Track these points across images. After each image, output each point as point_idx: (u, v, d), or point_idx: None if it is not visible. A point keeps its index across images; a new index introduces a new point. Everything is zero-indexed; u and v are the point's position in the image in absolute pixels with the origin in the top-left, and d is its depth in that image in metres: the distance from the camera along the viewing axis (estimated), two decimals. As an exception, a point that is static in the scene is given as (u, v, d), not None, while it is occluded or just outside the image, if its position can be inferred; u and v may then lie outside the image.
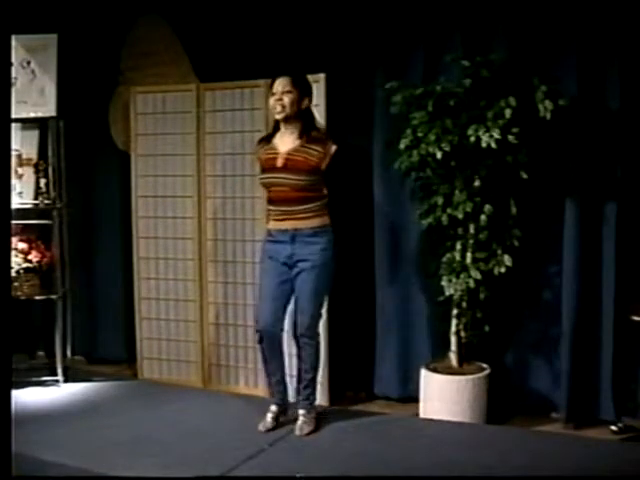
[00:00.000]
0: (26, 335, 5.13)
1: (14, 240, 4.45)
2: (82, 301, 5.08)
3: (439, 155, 3.68)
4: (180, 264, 4.64)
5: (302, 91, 3.59)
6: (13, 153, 4.53)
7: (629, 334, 3.80)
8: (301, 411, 3.74)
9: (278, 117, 3.60)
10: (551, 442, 3.64)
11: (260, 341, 3.70)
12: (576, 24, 3.84)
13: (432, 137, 3.70)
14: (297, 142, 3.60)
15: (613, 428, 3.84)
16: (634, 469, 3.25)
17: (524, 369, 4.14)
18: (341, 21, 4.32)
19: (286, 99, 3.55)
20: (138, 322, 4.75)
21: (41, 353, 5.20)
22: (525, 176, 3.72)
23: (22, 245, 4.53)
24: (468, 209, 3.77)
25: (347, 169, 4.32)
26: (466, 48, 4.01)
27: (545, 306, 4.08)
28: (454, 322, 3.98)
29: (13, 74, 4.43)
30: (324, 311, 4.15)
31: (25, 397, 4.29)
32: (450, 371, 3.96)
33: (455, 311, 3.95)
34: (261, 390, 4.40)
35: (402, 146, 3.81)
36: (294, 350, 3.83)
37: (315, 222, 3.62)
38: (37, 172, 4.66)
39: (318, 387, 3.85)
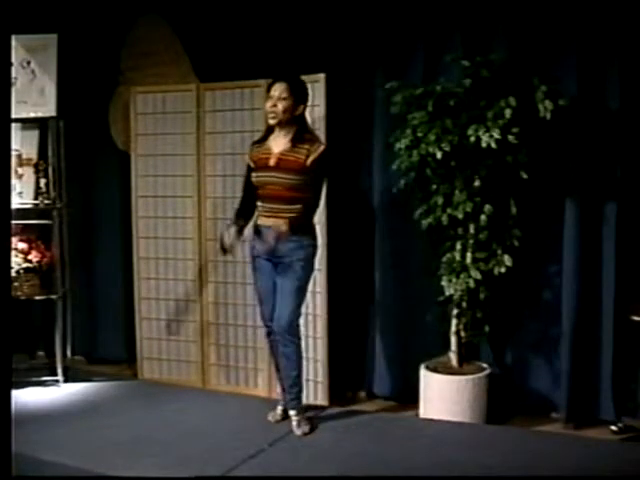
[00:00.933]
0: (26, 335, 5.12)
1: (14, 240, 4.45)
2: (82, 301, 5.08)
3: (439, 155, 3.68)
4: (180, 264, 4.64)
5: (298, 98, 3.62)
6: (13, 153, 4.53)
7: (629, 334, 3.80)
8: (291, 412, 3.76)
9: (271, 122, 3.65)
10: (551, 442, 3.64)
11: (268, 335, 3.80)
12: (576, 24, 3.84)
13: (432, 137, 3.70)
14: (289, 144, 3.64)
15: (613, 428, 3.84)
16: (634, 469, 3.25)
17: (524, 369, 4.14)
18: (341, 21, 4.32)
19: (280, 106, 3.58)
20: (138, 322, 4.75)
21: (41, 353, 5.20)
22: (525, 176, 3.72)
23: (22, 245, 4.53)
24: (468, 209, 3.77)
25: (347, 169, 4.34)
26: (466, 48, 4.01)
27: (545, 306, 4.08)
28: (454, 322, 3.99)
29: (13, 74, 4.43)
30: (323, 311, 4.18)
31: (25, 397, 4.29)
32: (450, 371, 3.96)
33: (455, 311, 3.95)
34: (261, 390, 4.41)
35: (402, 146, 3.81)
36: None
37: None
38: (37, 172, 4.66)
39: (319, 386, 3.87)
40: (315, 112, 4.04)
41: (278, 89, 3.60)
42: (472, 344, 4.06)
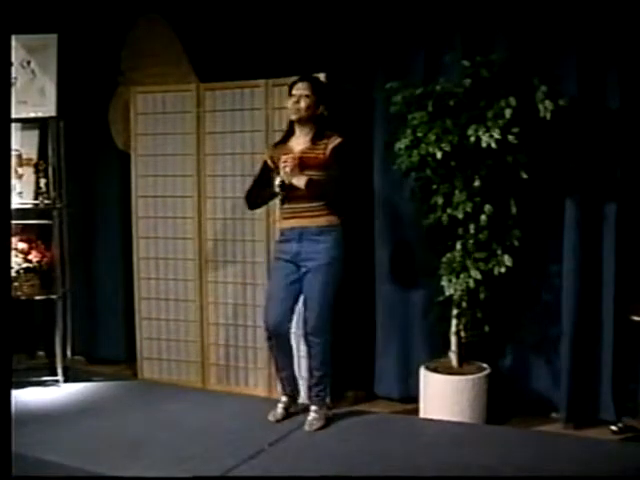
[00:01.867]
0: (26, 335, 5.13)
1: (14, 240, 4.45)
2: (82, 301, 5.08)
3: (439, 155, 3.69)
4: (180, 264, 4.64)
5: (319, 97, 3.70)
6: (13, 153, 4.53)
7: (629, 334, 3.80)
8: (313, 407, 3.79)
9: (293, 118, 3.71)
10: (551, 442, 3.64)
11: (269, 338, 3.79)
12: (576, 24, 3.84)
13: (432, 137, 3.70)
14: (309, 143, 3.70)
15: (613, 428, 3.83)
16: (634, 469, 3.25)
17: (524, 369, 4.14)
18: (341, 21, 4.32)
19: (303, 103, 3.66)
20: (138, 322, 4.75)
21: (41, 353, 5.20)
22: (525, 176, 3.72)
23: (22, 245, 4.53)
24: (468, 209, 3.77)
25: (347, 169, 4.33)
26: (466, 48, 4.01)
27: (545, 306, 4.08)
28: (454, 322, 3.99)
29: (13, 74, 4.43)
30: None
31: (25, 397, 4.29)
32: (450, 371, 3.96)
33: (455, 311, 3.95)
34: (261, 390, 4.41)
35: (402, 146, 3.81)
36: (303, 351, 3.88)
37: (322, 221, 3.68)
38: (37, 172, 4.66)
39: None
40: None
41: (302, 87, 3.68)
42: (472, 344, 4.06)
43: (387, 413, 4.21)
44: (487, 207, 3.80)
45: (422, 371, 4.00)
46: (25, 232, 4.63)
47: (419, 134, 3.76)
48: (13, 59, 4.37)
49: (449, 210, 3.83)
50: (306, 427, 3.73)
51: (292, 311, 3.76)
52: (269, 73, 4.26)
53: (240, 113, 4.41)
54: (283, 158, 3.62)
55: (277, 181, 3.63)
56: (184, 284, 4.64)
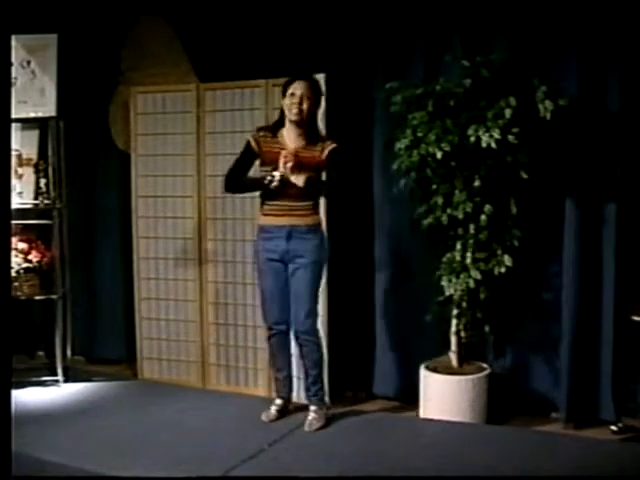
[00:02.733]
0: (26, 335, 5.12)
1: (14, 240, 4.45)
2: (82, 301, 5.08)
3: (439, 155, 3.69)
4: (180, 264, 4.64)
5: (317, 99, 3.69)
6: (13, 153, 4.53)
7: (629, 334, 3.80)
8: (312, 407, 3.80)
9: (294, 119, 3.65)
10: (551, 442, 3.64)
11: (269, 338, 3.84)
12: (576, 24, 3.84)
13: (432, 137, 3.70)
14: (304, 142, 3.68)
15: (613, 428, 3.83)
16: (634, 469, 3.25)
17: (524, 369, 4.14)
18: (341, 21, 4.32)
19: (305, 105, 3.62)
20: (138, 322, 4.75)
21: (41, 353, 5.20)
22: (525, 176, 3.72)
23: (22, 245, 4.53)
24: (468, 209, 3.77)
25: (347, 169, 4.33)
26: (466, 48, 4.01)
27: (545, 306, 4.08)
28: (454, 322, 3.99)
29: (13, 74, 4.43)
30: (324, 311, 4.17)
31: (25, 397, 4.29)
32: (450, 371, 3.96)
33: (455, 311, 3.95)
34: (261, 390, 4.41)
35: (402, 146, 3.81)
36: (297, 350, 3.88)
37: (310, 220, 3.70)
38: (37, 172, 4.66)
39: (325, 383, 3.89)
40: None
41: (303, 87, 3.63)
42: (472, 344, 4.06)
43: (387, 413, 4.21)
44: (487, 207, 3.80)
45: (422, 371, 4.00)
46: (25, 232, 4.62)
47: (419, 134, 3.76)
48: (13, 59, 4.36)
49: (449, 210, 3.83)
50: (306, 427, 3.73)
51: (289, 309, 3.77)
52: (269, 73, 4.26)
53: (240, 113, 4.41)
54: (283, 153, 3.60)
55: (276, 176, 3.58)
56: (184, 284, 4.64)
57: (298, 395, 4.05)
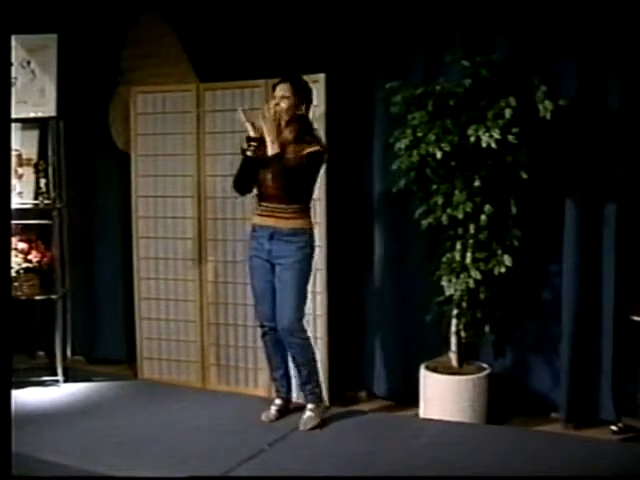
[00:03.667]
0: (26, 335, 5.12)
1: (14, 240, 4.45)
2: (82, 301, 5.08)
3: (439, 155, 3.69)
4: (180, 264, 4.64)
5: (301, 97, 3.69)
6: (13, 153, 4.53)
7: (629, 334, 3.80)
8: (309, 405, 3.79)
9: (269, 117, 3.63)
10: (551, 442, 3.64)
11: (263, 336, 3.85)
12: (576, 24, 3.84)
13: (432, 137, 3.71)
14: (291, 138, 3.68)
15: (613, 428, 3.84)
16: (634, 469, 3.25)
17: (524, 369, 4.14)
18: (341, 21, 4.32)
19: (283, 104, 3.64)
20: (138, 322, 4.75)
21: (41, 353, 5.20)
22: (525, 176, 3.72)
23: (22, 245, 4.53)
24: (468, 209, 3.77)
25: (347, 169, 4.34)
26: (466, 48, 4.01)
27: (545, 306, 4.08)
28: (454, 322, 3.99)
29: (13, 74, 4.43)
30: (323, 311, 4.18)
31: (25, 397, 4.29)
32: (450, 371, 3.96)
33: (455, 311, 3.95)
34: (261, 390, 4.41)
35: (402, 146, 3.81)
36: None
37: (294, 223, 3.69)
38: (37, 172, 4.66)
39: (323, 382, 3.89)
40: (315, 112, 4.04)
41: (283, 88, 3.67)
42: (472, 344, 4.06)
43: (387, 413, 4.21)
44: (487, 207, 3.80)
45: (422, 371, 4.00)
46: (25, 232, 4.63)
47: (419, 134, 3.76)
48: (13, 59, 4.37)
49: (449, 210, 3.83)
50: (300, 426, 3.72)
51: None
52: (269, 73, 4.26)
53: (240, 113, 4.41)
54: (271, 103, 3.63)
55: (252, 142, 3.63)
56: (184, 284, 4.64)
57: (298, 395, 4.05)
